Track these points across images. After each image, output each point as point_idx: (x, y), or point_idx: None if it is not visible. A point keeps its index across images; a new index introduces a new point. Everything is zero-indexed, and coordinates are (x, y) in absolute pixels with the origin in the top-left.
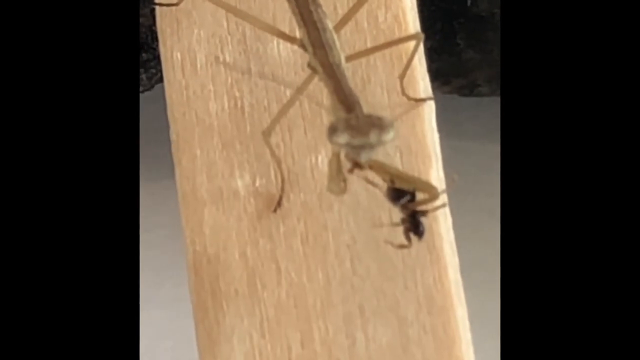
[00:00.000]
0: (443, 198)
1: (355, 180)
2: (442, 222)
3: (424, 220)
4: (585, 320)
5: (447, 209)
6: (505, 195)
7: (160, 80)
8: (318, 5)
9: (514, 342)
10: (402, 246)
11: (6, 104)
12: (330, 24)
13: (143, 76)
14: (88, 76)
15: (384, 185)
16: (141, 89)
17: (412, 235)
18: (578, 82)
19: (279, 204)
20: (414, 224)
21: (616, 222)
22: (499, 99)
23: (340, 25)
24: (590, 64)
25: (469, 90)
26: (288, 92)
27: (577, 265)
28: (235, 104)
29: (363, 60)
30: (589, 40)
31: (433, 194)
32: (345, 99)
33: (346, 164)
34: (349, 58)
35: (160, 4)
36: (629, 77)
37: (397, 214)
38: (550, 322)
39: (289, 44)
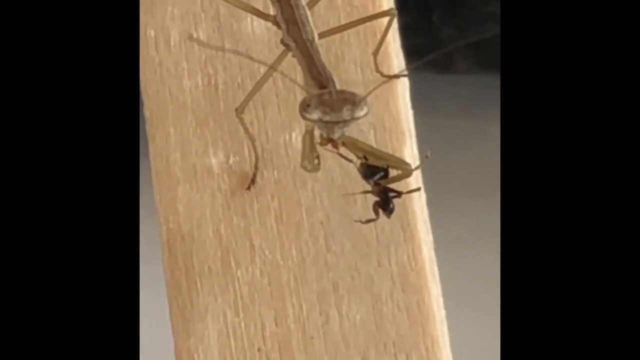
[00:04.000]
0: (417, 175)
1: (329, 157)
2: (416, 199)
3: (395, 198)
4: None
5: (421, 186)
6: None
7: None
8: None
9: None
10: (369, 220)
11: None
12: (303, 1)
13: None
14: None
15: (357, 162)
16: None
17: (381, 212)
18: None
19: (253, 181)
20: (384, 201)
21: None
22: (474, 76)
23: (313, 1)
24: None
25: (445, 67)
26: (262, 69)
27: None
28: (209, 82)
29: (337, 36)
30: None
31: (406, 171)
32: (318, 75)
33: (319, 141)
34: (322, 34)
35: None
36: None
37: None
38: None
39: (262, 21)
